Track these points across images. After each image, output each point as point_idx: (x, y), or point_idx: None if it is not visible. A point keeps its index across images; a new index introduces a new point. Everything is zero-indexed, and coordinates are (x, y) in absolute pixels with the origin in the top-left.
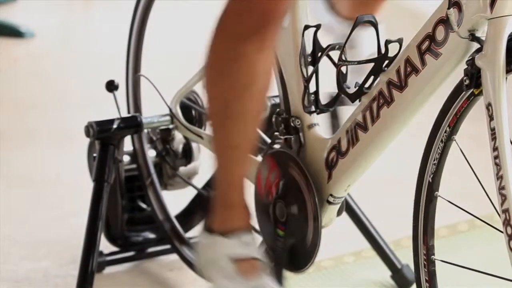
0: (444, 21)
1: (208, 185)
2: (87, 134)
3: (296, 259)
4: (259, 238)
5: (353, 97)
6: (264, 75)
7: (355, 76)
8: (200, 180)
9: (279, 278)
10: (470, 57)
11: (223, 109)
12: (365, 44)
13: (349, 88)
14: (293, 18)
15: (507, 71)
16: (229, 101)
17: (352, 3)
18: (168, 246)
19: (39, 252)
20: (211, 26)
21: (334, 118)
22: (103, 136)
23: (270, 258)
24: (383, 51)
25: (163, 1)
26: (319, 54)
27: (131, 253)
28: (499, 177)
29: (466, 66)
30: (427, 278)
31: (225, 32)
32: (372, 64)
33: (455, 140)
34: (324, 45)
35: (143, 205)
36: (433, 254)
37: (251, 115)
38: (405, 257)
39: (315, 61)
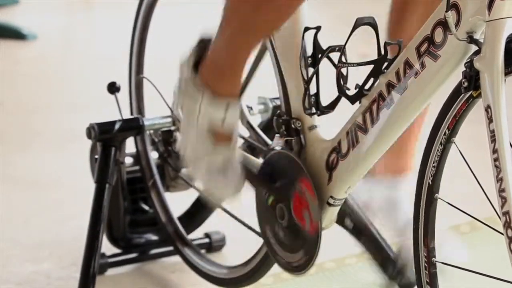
0: (442, 23)
1: None
2: (89, 136)
3: (297, 261)
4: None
5: (353, 99)
6: None
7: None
8: None
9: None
10: (469, 59)
11: None
12: (404, 207)
13: (349, 90)
14: (294, 19)
15: (506, 73)
16: None
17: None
18: (170, 248)
19: (41, 254)
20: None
21: None
22: (105, 138)
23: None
24: (382, 52)
25: (165, 2)
26: (320, 55)
27: (133, 255)
28: (499, 180)
29: (464, 69)
30: (428, 280)
31: None
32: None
33: (454, 142)
34: (324, 46)
35: (146, 207)
36: (434, 256)
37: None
38: None
39: (315, 63)
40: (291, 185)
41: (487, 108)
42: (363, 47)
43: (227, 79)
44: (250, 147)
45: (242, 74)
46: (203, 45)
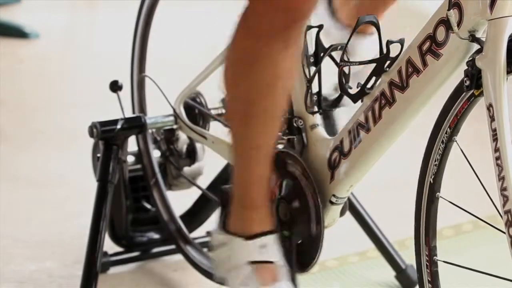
0: (444, 22)
1: (213, 185)
2: (91, 134)
3: (300, 259)
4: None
5: (355, 98)
6: (288, 74)
7: (355, 79)
8: (204, 181)
9: (293, 280)
10: (471, 58)
11: (246, 109)
12: (366, 53)
13: (351, 88)
14: None
15: (508, 72)
16: (252, 101)
17: (354, 10)
18: (172, 247)
19: (43, 253)
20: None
21: (328, 118)
22: (107, 136)
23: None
24: (384, 51)
25: (168, 1)
26: (322, 54)
27: (135, 254)
28: (501, 178)
29: (466, 67)
30: (429, 279)
31: (249, 31)
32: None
33: (456, 141)
34: (326, 45)
35: (148, 206)
36: (436, 255)
37: (273, 114)
38: (409, 257)
39: (317, 62)
40: (293, 184)
41: (489, 107)
42: None
43: (256, 212)
44: None
45: (267, 202)
46: (224, 201)
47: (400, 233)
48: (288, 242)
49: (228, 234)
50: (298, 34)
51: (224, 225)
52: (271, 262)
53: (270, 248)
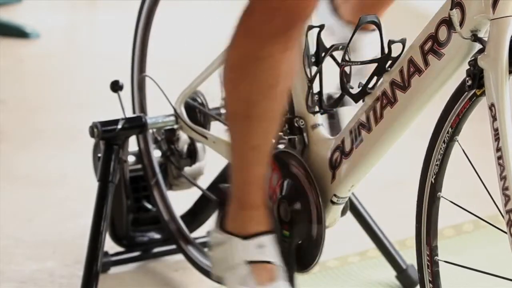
0: (446, 22)
1: (214, 185)
2: (92, 134)
3: (301, 259)
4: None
5: (357, 98)
6: (288, 75)
7: (357, 78)
8: (205, 181)
9: (291, 280)
10: (473, 58)
11: (245, 109)
12: (367, 49)
13: (352, 88)
14: None
15: (510, 72)
16: (252, 101)
17: (355, 7)
18: (173, 246)
19: (44, 252)
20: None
21: (332, 118)
22: (108, 136)
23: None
24: (386, 51)
25: (168, 1)
26: (323, 54)
27: (136, 253)
28: (503, 178)
29: (468, 67)
30: (430, 279)
31: (250, 32)
32: (375, 64)
33: (457, 140)
34: (327, 45)
35: (149, 205)
36: (437, 255)
37: (273, 115)
38: (410, 257)
39: (318, 61)
40: (294, 184)
41: (491, 106)
42: None
43: (254, 213)
44: None
45: (265, 202)
46: (222, 200)
47: (401, 233)
48: (289, 242)
49: (225, 233)
50: (299, 35)
51: (222, 225)
52: (268, 262)
53: (267, 248)
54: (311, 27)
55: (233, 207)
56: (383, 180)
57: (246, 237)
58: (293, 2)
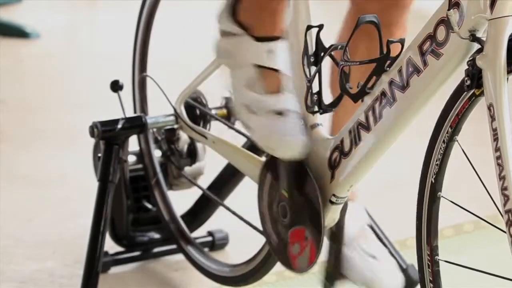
0: (444, 22)
1: (214, 185)
2: (92, 134)
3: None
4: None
5: (356, 97)
6: None
7: None
8: (205, 180)
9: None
10: (471, 58)
11: None
12: (349, 222)
13: (351, 88)
14: (296, 18)
15: (508, 71)
16: None
17: None
18: (173, 246)
19: (44, 252)
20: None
21: None
22: (108, 136)
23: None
24: (385, 51)
25: (169, 1)
26: (322, 54)
27: (136, 253)
28: (502, 178)
29: (467, 67)
30: (431, 279)
31: None
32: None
33: (457, 140)
34: (326, 45)
35: (149, 205)
36: (437, 255)
37: None
38: (410, 257)
39: (317, 61)
40: (294, 183)
41: (490, 106)
42: None
43: (268, 15)
44: (252, 146)
45: (283, 7)
46: None
47: (401, 233)
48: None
49: (237, 25)
50: None
51: (233, 12)
52: (277, 71)
53: (278, 55)
54: (310, 27)
55: (246, 6)
56: (382, 180)
57: (257, 38)
58: None
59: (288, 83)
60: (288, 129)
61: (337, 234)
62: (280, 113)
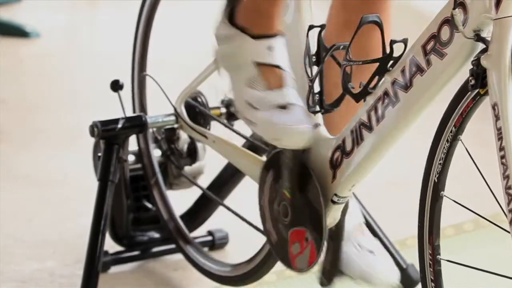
0: (449, 21)
1: (214, 185)
2: (92, 133)
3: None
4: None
5: (358, 97)
6: None
7: None
8: (205, 180)
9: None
10: (476, 57)
11: None
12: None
13: (353, 88)
14: (298, 18)
15: None
16: None
17: None
18: (173, 246)
19: (44, 252)
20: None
21: None
22: (108, 135)
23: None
24: (388, 51)
25: (169, 1)
26: (324, 54)
27: (136, 253)
28: (506, 177)
29: (471, 66)
30: (432, 278)
31: None
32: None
33: (461, 140)
34: (328, 45)
35: (148, 205)
36: (439, 254)
37: None
38: (410, 256)
39: (319, 61)
40: (295, 183)
41: (494, 106)
42: None
43: (266, 14)
44: (252, 146)
45: (280, 6)
46: None
47: (401, 233)
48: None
49: (234, 27)
50: None
51: (231, 17)
52: (277, 67)
53: (277, 51)
54: (312, 27)
55: (245, 8)
56: (384, 179)
57: (256, 36)
58: None
59: (289, 79)
60: (293, 120)
61: (336, 232)
62: (283, 107)
